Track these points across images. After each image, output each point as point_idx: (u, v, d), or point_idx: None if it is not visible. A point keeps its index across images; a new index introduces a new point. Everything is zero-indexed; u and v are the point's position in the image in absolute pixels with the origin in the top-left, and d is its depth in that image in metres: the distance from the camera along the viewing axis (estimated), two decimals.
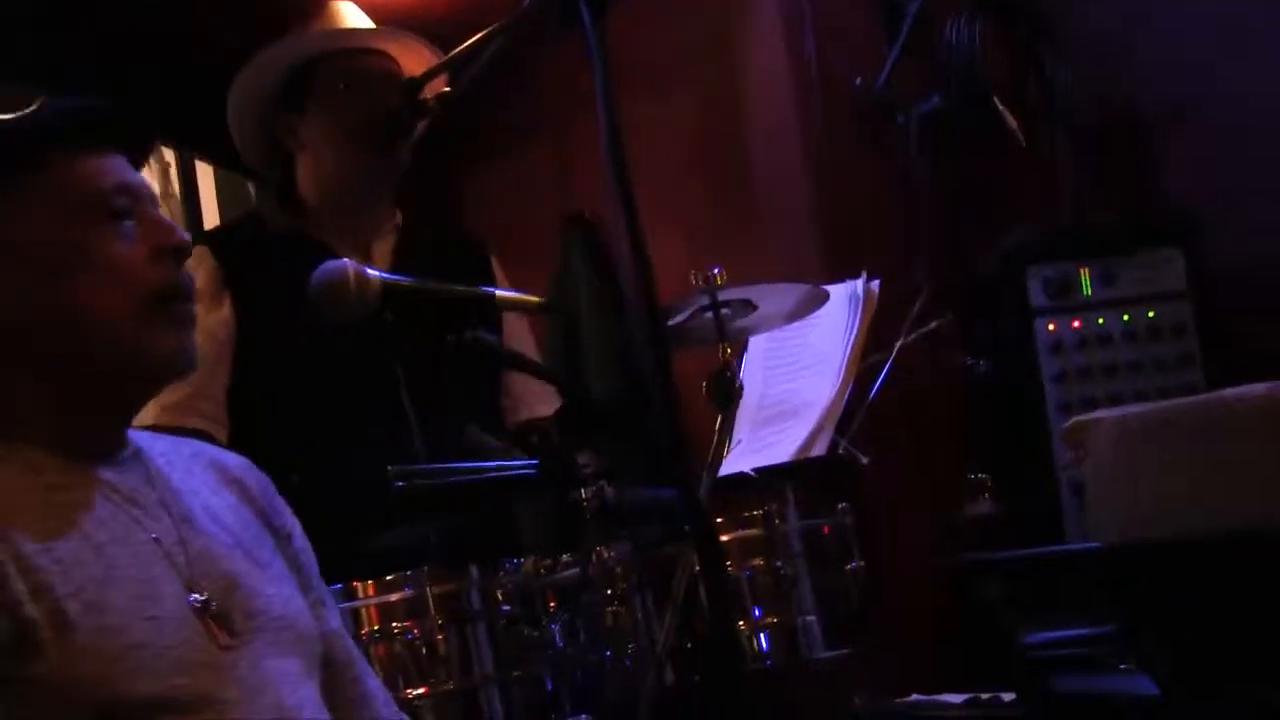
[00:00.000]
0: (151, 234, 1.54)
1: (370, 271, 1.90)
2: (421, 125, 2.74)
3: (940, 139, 3.32)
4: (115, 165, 1.53)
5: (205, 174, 4.09)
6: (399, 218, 2.78)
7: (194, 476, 1.68)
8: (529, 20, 2.16)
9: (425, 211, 3.02)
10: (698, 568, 2.07)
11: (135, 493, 1.52)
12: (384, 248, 2.74)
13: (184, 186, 3.95)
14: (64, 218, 1.47)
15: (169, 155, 4.05)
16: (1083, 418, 1.99)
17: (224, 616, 1.48)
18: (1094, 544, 1.93)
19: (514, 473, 2.26)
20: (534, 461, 2.28)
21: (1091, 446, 1.96)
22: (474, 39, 2.43)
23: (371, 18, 2.81)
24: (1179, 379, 3.17)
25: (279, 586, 1.60)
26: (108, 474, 1.52)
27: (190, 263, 2.47)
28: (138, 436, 1.66)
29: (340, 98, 2.67)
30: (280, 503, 1.79)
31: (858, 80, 3.30)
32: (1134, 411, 1.98)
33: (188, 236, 1.61)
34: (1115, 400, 3.16)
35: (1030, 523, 3.12)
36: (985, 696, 2.67)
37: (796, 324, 2.61)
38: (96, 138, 1.55)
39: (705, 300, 2.33)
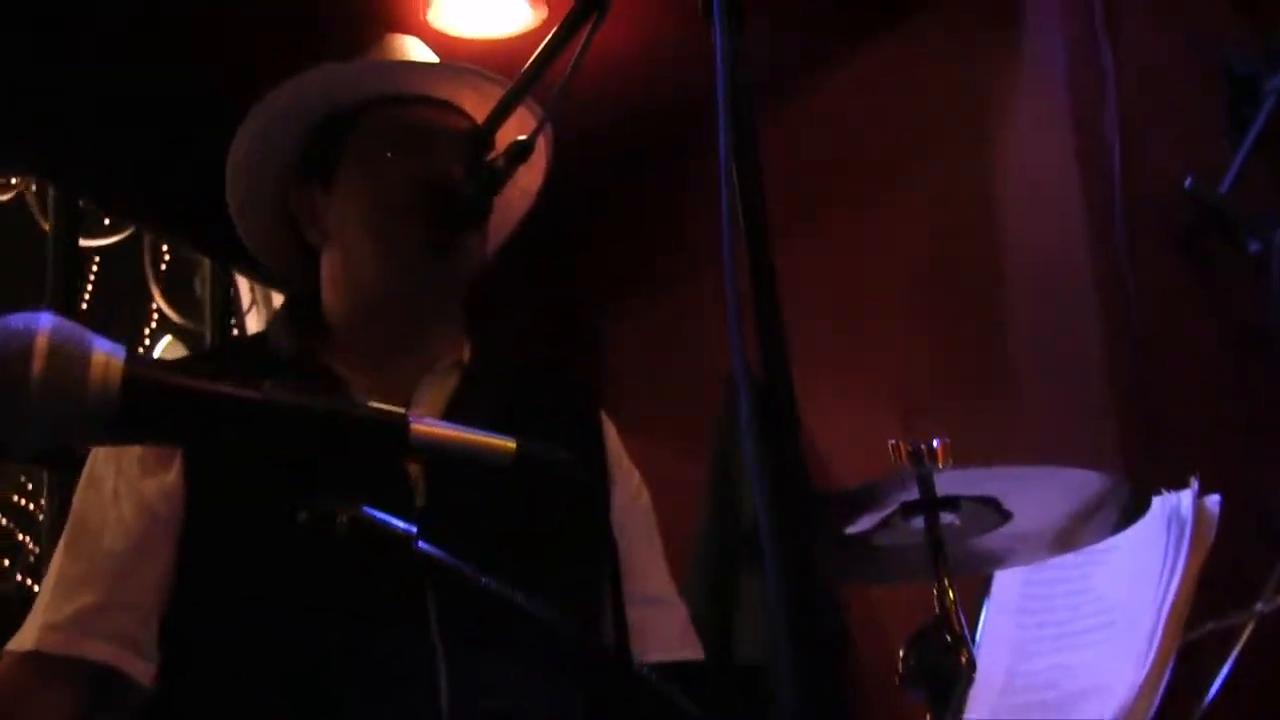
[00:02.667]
0: None
1: (100, 346, 1.02)
2: (512, 218, 2.10)
3: None
4: None
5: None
6: (467, 350, 2.06)
7: None
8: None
9: (527, 352, 2.48)
10: None
11: None
12: (437, 392, 2.00)
13: (216, 296, 3.26)
14: None
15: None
16: None
17: None
18: None
19: None
20: None
21: None
22: (547, 40, 1.69)
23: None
24: None
25: None
26: None
27: None
28: None
29: (383, 166, 1.98)
30: None
31: (1186, 182, 2.54)
32: None
33: None
34: None
35: None
36: None
37: (1074, 556, 1.94)
38: None
39: (913, 491, 1.63)
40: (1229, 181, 2.57)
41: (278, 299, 3.67)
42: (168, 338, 4.54)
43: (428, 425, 1.07)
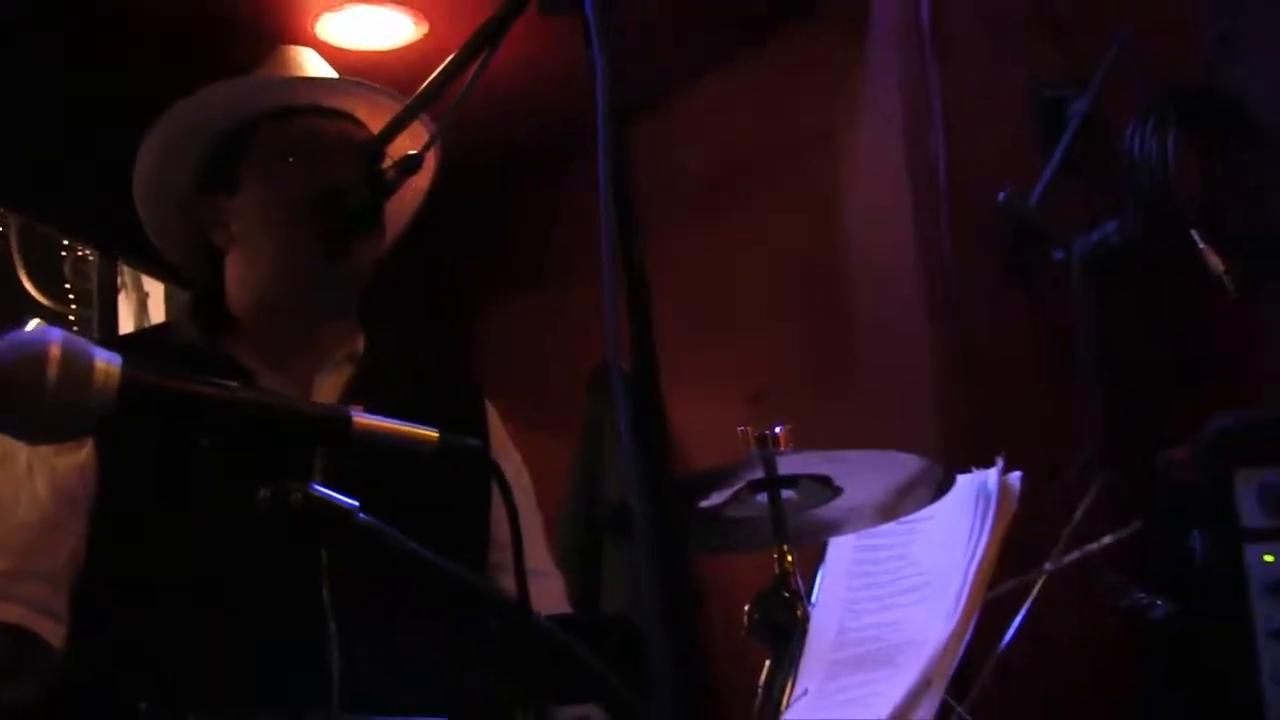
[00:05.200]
0: None
1: (100, 355, 1.17)
2: (403, 214, 2.19)
3: (1114, 282, 2.69)
4: None
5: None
6: (361, 343, 2.14)
7: None
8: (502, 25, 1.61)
9: (414, 344, 2.49)
10: None
11: None
12: (333, 381, 2.09)
13: (103, 285, 3.18)
14: None
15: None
16: None
17: None
18: None
19: None
20: None
21: None
22: (443, 66, 1.74)
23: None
24: None
25: None
26: None
27: None
28: None
29: (283, 173, 2.07)
30: None
31: (1001, 195, 2.69)
32: None
33: None
34: None
35: None
36: None
37: (897, 527, 2.08)
38: None
39: (758, 471, 1.76)
40: (1037, 194, 2.69)
41: (146, 283, 3.69)
42: (35, 321, 4.48)
43: (366, 419, 1.26)
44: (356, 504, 1.22)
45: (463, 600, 1.83)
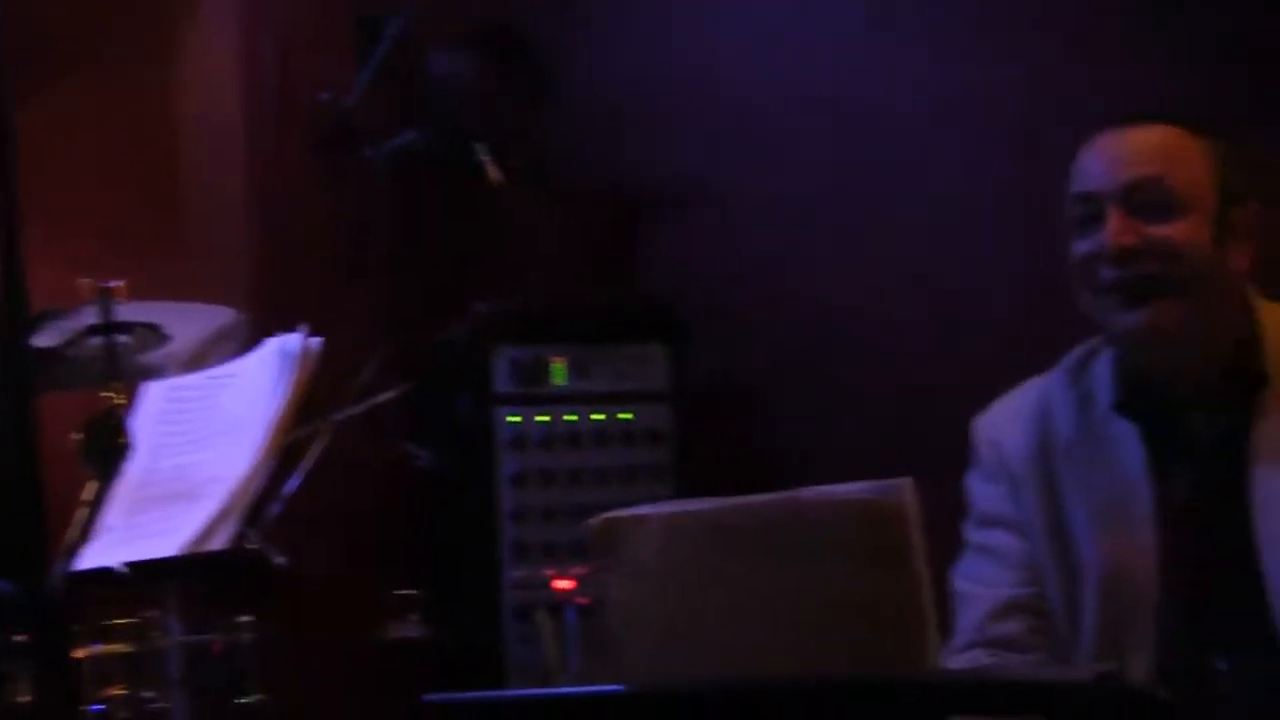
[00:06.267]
0: None
1: None
2: None
3: (412, 181, 3.03)
4: None
5: None
6: None
7: None
8: None
9: None
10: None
11: None
12: None
13: None
14: None
15: None
16: (619, 514, 1.49)
17: None
18: (620, 687, 1.39)
19: None
20: None
21: (628, 553, 1.46)
22: None
23: None
24: (648, 492, 2.83)
25: None
26: None
27: None
28: None
29: None
30: None
31: (322, 96, 2.96)
32: (698, 509, 1.50)
33: None
34: (578, 514, 2.80)
35: (463, 652, 2.64)
36: None
37: (207, 379, 2.26)
38: None
39: (95, 317, 1.95)
40: (353, 99, 2.97)
41: None
42: None
43: None
44: None
45: None
